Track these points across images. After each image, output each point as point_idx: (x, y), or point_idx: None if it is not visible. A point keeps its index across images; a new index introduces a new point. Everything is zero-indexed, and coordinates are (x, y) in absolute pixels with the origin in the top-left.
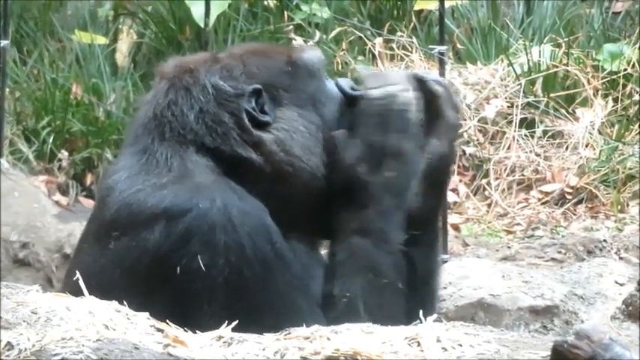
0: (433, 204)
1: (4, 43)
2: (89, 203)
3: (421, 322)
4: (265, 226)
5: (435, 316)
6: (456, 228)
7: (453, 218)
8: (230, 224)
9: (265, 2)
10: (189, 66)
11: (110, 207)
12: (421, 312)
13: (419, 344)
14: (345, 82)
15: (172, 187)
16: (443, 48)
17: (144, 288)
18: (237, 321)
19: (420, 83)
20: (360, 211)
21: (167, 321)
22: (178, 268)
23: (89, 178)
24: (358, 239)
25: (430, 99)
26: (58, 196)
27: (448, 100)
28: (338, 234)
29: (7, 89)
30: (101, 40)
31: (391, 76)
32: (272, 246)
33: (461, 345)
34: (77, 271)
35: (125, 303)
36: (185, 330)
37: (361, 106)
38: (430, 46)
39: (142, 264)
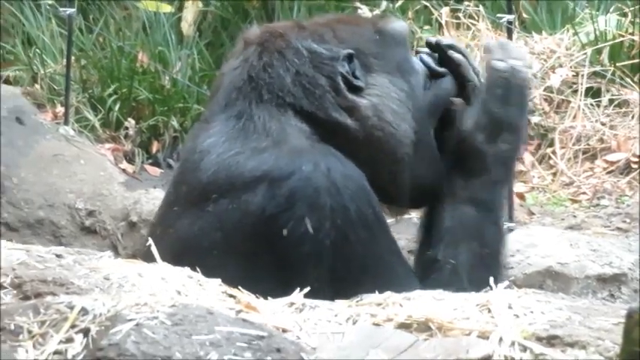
0: None
1: (70, 10)
2: (155, 171)
3: (492, 290)
4: (366, 190)
5: (506, 283)
6: (522, 197)
7: (518, 187)
8: (334, 187)
9: None
10: (279, 31)
11: (206, 170)
12: (492, 279)
13: (490, 311)
14: (428, 57)
15: (273, 150)
16: (511, 17)
17: (247, 249)
18: (339, 284)
19: (436, 49)
20: (471, 179)
21: (239, 287)
22: (285, 231)
23: (155, 146)
24: (467, 208)
25: (454, 67)
26: (124, 164)
27: (469, 65)
28: (445, 199)
29: (73, 57)
30: (167, 8)
31: (515, 50)
32: (373, 210)
33: (532, 312)
34: (168, 235)
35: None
36: (257, 296)
37: (488, 74)
38: (498, 15)
39: (245, 226)
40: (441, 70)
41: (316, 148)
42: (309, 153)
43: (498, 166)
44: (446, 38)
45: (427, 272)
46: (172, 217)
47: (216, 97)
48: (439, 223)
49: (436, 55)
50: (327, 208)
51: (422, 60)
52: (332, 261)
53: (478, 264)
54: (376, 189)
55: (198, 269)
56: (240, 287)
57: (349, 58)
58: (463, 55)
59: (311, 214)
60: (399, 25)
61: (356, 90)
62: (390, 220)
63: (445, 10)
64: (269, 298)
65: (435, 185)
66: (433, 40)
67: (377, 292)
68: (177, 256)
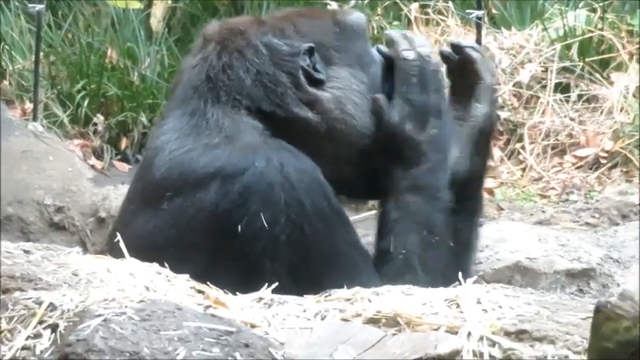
0: (479, 167)
1: (39, 7)
2: (124, 167)
3: (460, 284)
4: (321, 183)
5: (474, 277)
6: (491, 192)
7: (487, 182)
8: (288, 182)
9: None
10: (238, 27)
11: (159, 167)
12: (460, 274)
13: (458, 306)
14: (385, 48)
15: (225, 147)
16: (480, 13)
17: (202, 246)
18: (297, 278)
19: (457, 49)
20: (410, 169)
21: (207, 282)
22: (239, 227)
23: (124, 142)
24: (411, 196)
25: (467, 65)
26: (92, 160)
27: (484, 64)
28: (389, 192)
29: (42, 53)
30: (135, 4)
31: (418, 38)
32: (328, 202)
33: (501, 307)
34: (125, 233)
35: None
36: (225, 292)
37: (399, 66)
38: (467, 11)
39: (200, 223)
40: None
41: (269, 144)
42: (261, 149)
43: (434, 152)
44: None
45: (380, 264)
46: (129, 215)
47: (174, 94)
48: (386, 215)
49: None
50: (282, 202)
51: (379, 51)
52: (289, 255)
53: (429, 251)
54: (337, 181)
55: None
56: (208, 283)
57: (310, 52)
58: (479, 53)
59: (265, 210)
60: (357, 17)
61: (317, 83)
62: (359, 216)
63: (414, 6)
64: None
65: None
66: (456, 41)
67: (336, 283)
68: (134, 255)
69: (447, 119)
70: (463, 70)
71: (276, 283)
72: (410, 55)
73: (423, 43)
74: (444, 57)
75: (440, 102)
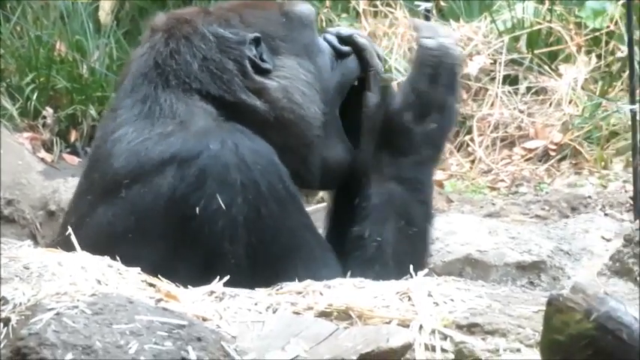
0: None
1: None
2: (73, 160)
3: (412, 277)
4: (276, 165)
5: (425, 270)
6: (440, 184)
7: (436, 175)
8: (243, 163)
9: None
10: (185, 17)
11: (117, 157)
12: (411, 267)
13: (410, 299)
14: (332, 37)
15: (180, 133)
16: (428, 5)
17: (161, 231)
18: (256, 259)
19: (345, 40)
20: (399, 158)
21: (159, 275)
22: (197, 209)
23: (73, 135)
24: (395, 186)
25: (357, 54)
26: (42, 153)
27: (373, 51)
28: (371, 177)
29: None
30: None
31: (442, 30)
32: (283, 184)
33: (452, 300)
34: (83, 224)
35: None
36: (176, 285)
37: (417, 53)
38: (416, 3)
39: (158, 207)
40: (346, 49)
41: (223, 127)
42: (216, 132)
43: (427, 145)
44: (346, 29)
45: (352, 249)
46: (86, 206)
47: (123, 84)
48: (366, 199)
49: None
50: (238, 184)
51: (326, 40)
52: (247, 236)
53: (404, 242)
54: (289, 171)
55: (116, 257)
56: (158, 273)
57: (256, 42)
58: (368, 41)
59: (222, 191)
60: (305, 7)
61: (264, 72)
62: (315, 207)
63: None
64: (187, 279)
65: (343, 165)
66: (334, 31)
67: (292, 265)
68: (93, 245)
69: (450, 116)
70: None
71: (234, 264)
72: (429, 43)
73: (447, 34)
74: (335, 50)
75: (447, 97)
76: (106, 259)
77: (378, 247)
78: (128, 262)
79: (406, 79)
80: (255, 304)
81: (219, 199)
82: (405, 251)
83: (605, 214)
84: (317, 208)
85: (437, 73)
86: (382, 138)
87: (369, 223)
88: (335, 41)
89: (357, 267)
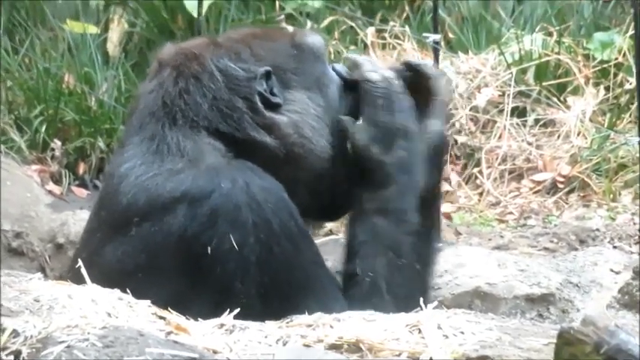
0: (434, 184)
1: None
2: (82, 192)
3: (422, 310)
4: (287, 202)
5: (435, 303)
6: (448, 217)
7: (445, 207)
8: (255, 202)
9: None
10: (194, 52)
11: (125, 194)
12: (422, 300)
13: (420, 331)
14: (341, 67)
15: (189, 170)
16: (437, 37)
17: (172, 270)
18: (267, 299)
19: (410, 67)
20: (378, 191)
21: (169, 308)
22: (209, 249)
23: (82, 168)
24: (379, 219)
25: (421, 81)
26: (50, 186)
27: (439, 81)
28: (355, 215)
29: None
30: (92, 29)
31: (374, 61)
32: (295, 222)
33: (462, 332)
34: (93, 262)
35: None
36: (187, 318)
37: (364, 88)
38: (424, 35)
39: (169, 246)
40: (354, 79)
41: (233, 165)
42: (226, 170)
43: (401, 174)
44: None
45: (347, 287)
46: (96, 244)
47: (131, 120)
48: (353, 237)
49: (344, 66)
50: (250, 223)
51: (335, 70)
52: (259, 276)
53: (396, 275)
54: (297, 204)
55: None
56: (169, 309)
57: (267, 76)
58: (433, 71)
59: (234, 231)
60: (316, 39)
61: (274, 107)
62: (318, 241)
63: (371, 30)
64: (197, 318)
65: (351, 196)
66: (409, 60)
67: (304, 304)
68: (103, 282)
69: (416, 140)
70: (416, 87)
71: (246, 304)
72: (374, 76)
73: (384, 66)
74: (399, 74)
75: (407, 123)
76: (116, 291)
77: (372, 283)
78: (138, 299)
79: (363, 115)
80: (266, 336)
81: (232, 239)
82: (399, 283)
83: (614, 247)
84: (325, 241)
85: (390, 101)
86: (356, 175)
87: (359, 259)
88: (343, 72)
89: (354, 304)
